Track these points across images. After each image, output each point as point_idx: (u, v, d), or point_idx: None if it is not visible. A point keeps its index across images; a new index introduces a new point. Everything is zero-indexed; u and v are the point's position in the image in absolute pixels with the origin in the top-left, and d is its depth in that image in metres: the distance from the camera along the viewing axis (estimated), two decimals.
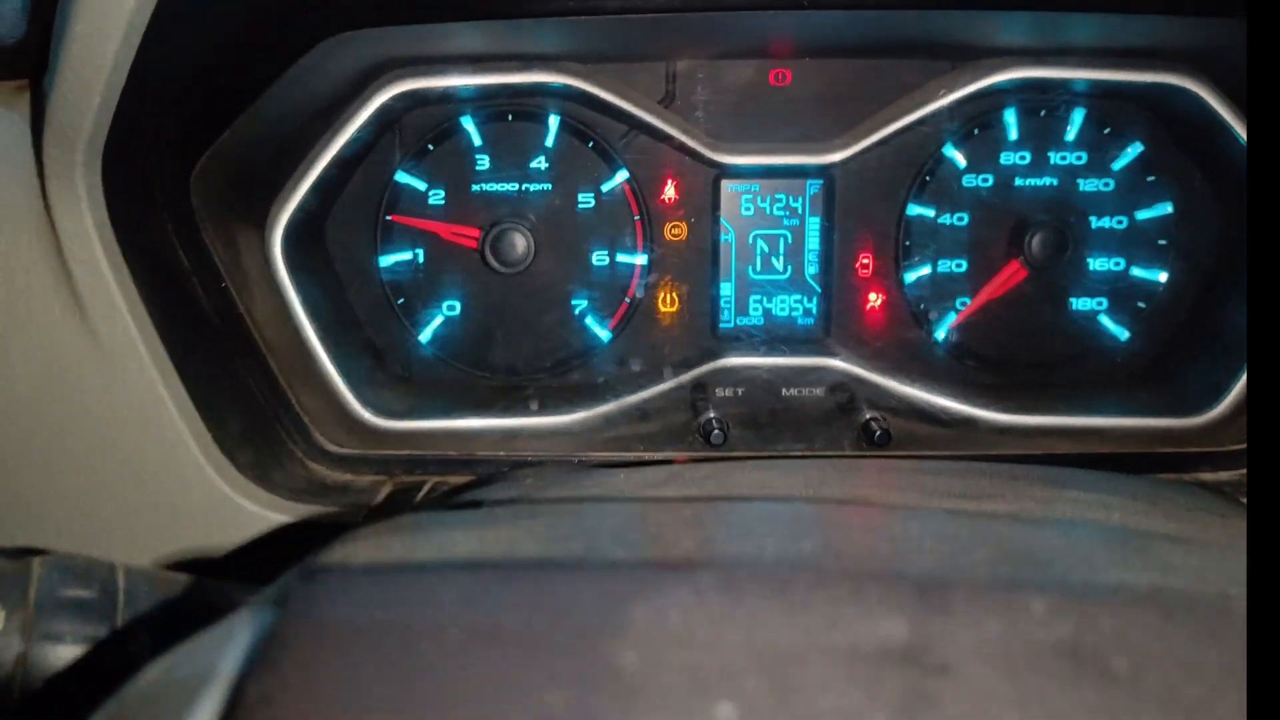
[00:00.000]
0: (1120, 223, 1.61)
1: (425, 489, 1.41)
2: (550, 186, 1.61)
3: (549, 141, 1.59)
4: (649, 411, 1.55)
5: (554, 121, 1.58)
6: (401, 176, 1.59)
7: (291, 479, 1.37)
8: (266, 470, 1.34)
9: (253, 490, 1.28)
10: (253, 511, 1.28)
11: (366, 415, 1.48)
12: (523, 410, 1.54)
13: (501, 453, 1.48)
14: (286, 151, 1.43)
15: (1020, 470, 1.09)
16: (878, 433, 1.43)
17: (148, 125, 1.20)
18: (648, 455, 1.47)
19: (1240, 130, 1.44)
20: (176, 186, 1.31)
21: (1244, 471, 1.44)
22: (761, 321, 1.64)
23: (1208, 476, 1.45)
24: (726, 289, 1.63)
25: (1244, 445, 1.45)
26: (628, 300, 1.64)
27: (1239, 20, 1.35)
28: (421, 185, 1.60)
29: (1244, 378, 1.46)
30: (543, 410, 1.53)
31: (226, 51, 1.24)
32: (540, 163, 1.60)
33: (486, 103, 1.57)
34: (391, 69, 1.46)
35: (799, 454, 1.48)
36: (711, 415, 1.47)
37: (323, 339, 1.46)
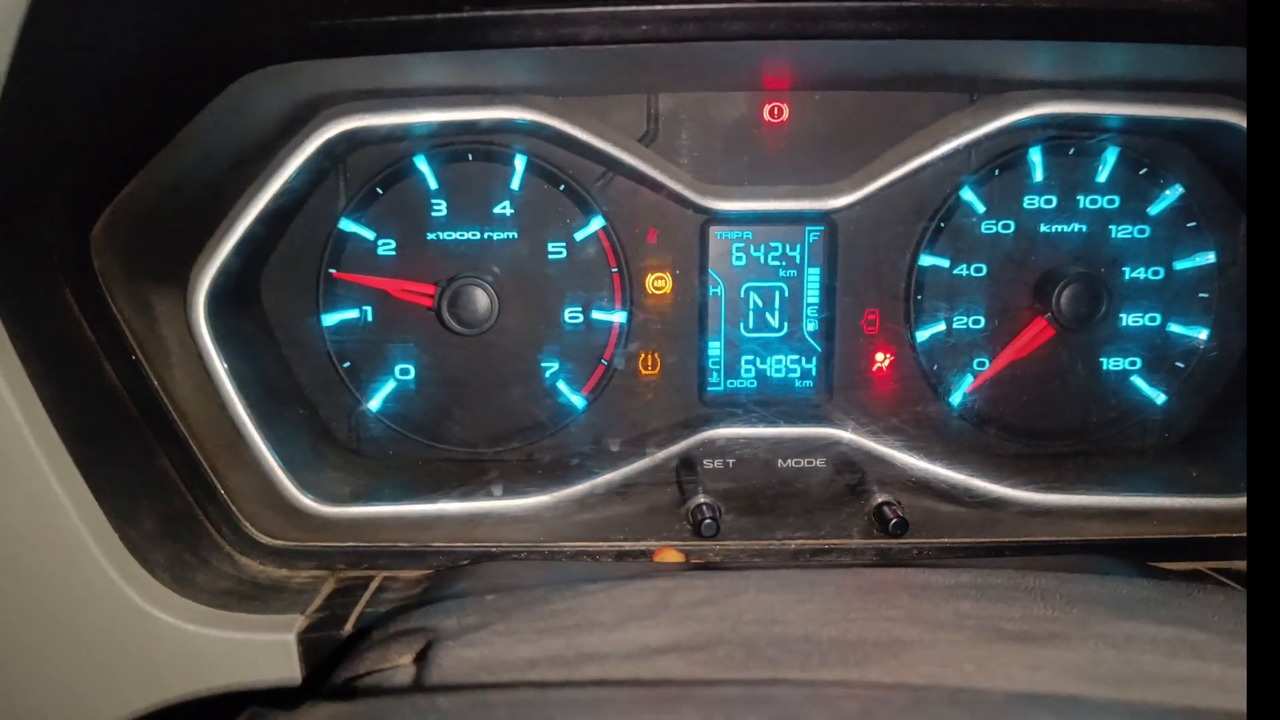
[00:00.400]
0: (1157, 274, 1.44)
1: (372, 587, 1.22)
2: (516, 235, 1.42)
3: (515, 185, 1.41)
4: (628, 492, 1.36)
5: (520, 162, 1.40)
6: (346, 224, 1.41)
7: (217, 579, 1.18)
8: (186, 571, 1.15)
9: (167, 597, 1.09)
10: (167, 623, 1.08)
11: (306, 501, 1.29)
12: (485, 492, 1.35)
13: (460, 543, 1.28)
14: (208, 202, 1.25)
15: (1077, 589, 0.91)
16: (893, 521, 1.25)
17: (31, 178, 1.00)
18: (627, 545, 1.28)
19: None
20: (73, 247, 1.11)
21: None
22: (754, 385, 1.46)
23: None
24: (715, 348, 1.45)
25: None
26: (604, 363, 1.45)
27: None
28: (369, 235, 1.41)
29: None
30: (508, 492, 1.34)
31: (122, 89, 1.04)
32: (505, 208, 1.41)
33: (444, 141, 1.39)
34: (333, 104, 1.27)
35: (801, 541, 1.29)
36: (702, 500, 1.29)
37: (254, 415, 1.27)
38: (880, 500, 1.29)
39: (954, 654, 0.77)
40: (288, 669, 1.09)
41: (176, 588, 1.11)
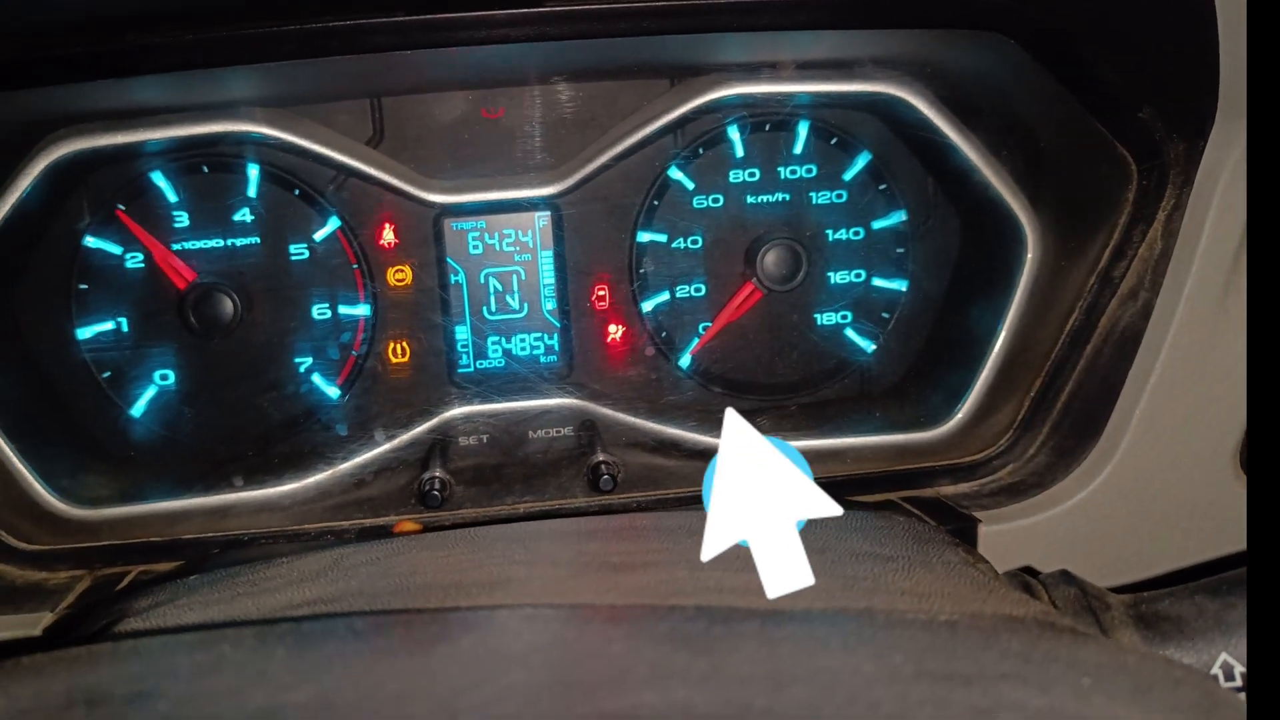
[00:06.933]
0: (857, 234, 1.57)
1: (126, 581, 1.30)
2: (259, 240, 1.50)
3: (251, 192, 1.49)
4: (381, 472, 1.45)
5: (254, 171, 1.48)
6: (92, 241, 1.47)
7: None
8: None
9: None
10: None
11: (61, 506, 1.36)
12: (257, 483, 1.42)
13: (209, 533, 1.36)
14: None
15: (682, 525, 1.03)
16: (603, 478, 1.36)
17: None
18: (368, 521, 1.37)
19: (956, 138, 1.40)
20: None
21: (981, 482, 1.40)
22: (502, 364, 1.56)
23: (948, 490, 1.41)
24: (462, 332, 1.55)
25: (981, 455, 1.42)
26: (355, 354, 1.54)
27: (946, 32, 1.31)
28: (116, 250, 1.48)
29: (978, 386, 1.43)
30: (263, 482, 1.42)
31: None
32: (245, 215, 1.49)
33: (176, 156, 1.46)
34: (57, 126, 1.34)
35: (529, 504, 1.39)
36: (436, 474, 1.38)
37: (6, 431, 1.33)
38: (598, 460, 1.40)
39: (547, 586, 0.88)
40: None
41: None
